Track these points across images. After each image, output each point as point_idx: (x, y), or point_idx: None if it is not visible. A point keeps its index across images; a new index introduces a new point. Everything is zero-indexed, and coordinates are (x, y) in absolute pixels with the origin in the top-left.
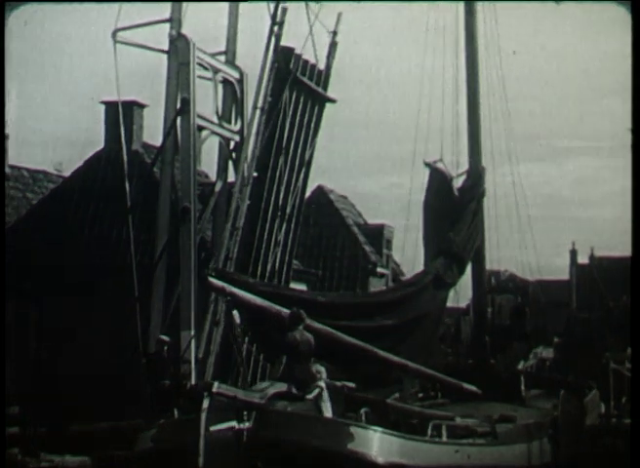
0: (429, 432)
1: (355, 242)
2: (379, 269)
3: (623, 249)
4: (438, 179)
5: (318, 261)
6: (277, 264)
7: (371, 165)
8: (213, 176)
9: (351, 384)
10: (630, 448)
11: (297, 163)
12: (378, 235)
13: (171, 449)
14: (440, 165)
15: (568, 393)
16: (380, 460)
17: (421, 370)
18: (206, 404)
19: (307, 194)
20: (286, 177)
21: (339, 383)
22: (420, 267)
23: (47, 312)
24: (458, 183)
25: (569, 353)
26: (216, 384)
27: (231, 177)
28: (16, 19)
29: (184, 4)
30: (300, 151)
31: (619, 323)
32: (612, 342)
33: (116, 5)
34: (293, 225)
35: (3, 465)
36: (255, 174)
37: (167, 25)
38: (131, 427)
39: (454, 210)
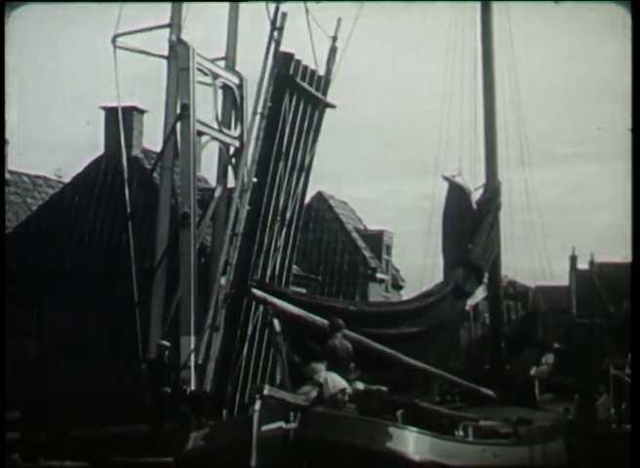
0: (459, 432)
1: (355, 247)
2: (378, 275)
3: (623, 254)
4: (457, 193)
5: (318, 267)
6: (277, 269)
7: (371, 170)
8: (212, 182)
9: (384, 388)
10: (631, 455)
11: (296, 168)
12: (377, 241)
13: (222, 448)
14: (459, 179)
15: (582, 397)
16: (417, 458)
17: (443, 374)
18: (258, 405)
19: (307, 200)
20: (286, 183)
21: (373, 387)
22: (420, 271)
23: (47, 317)
24: (475, 196)
25: (568, 359)
26: (267, 387)
27: (231, 183)
28: (16, 19)
29: (184, 10)
30: (299, 157)
31: (619, 329)
32: (612, 348)
33: (116, 7)
34: (292, 231)
35: None
36: (254, 179)
37: (167, 31)
38: (132, 433)
39: (472, 222)
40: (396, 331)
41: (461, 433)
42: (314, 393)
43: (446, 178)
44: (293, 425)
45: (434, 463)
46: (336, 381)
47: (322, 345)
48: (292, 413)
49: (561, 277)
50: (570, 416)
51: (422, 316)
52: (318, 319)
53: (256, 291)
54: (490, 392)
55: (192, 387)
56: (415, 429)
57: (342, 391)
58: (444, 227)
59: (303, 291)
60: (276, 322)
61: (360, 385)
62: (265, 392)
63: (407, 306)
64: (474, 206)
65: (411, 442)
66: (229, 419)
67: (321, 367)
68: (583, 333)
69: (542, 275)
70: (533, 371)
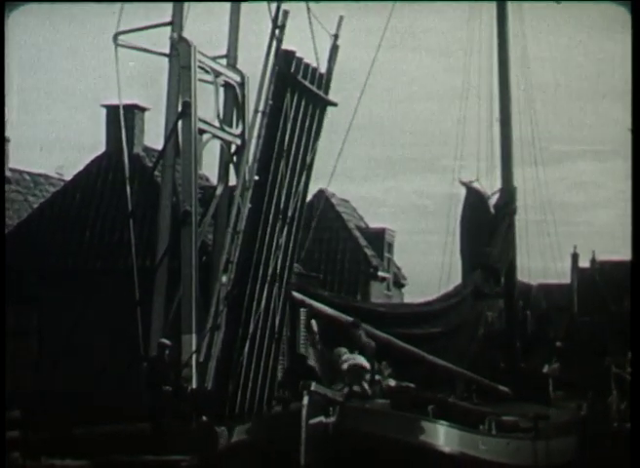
0: (485, 427)
1: (356, 245)
2: (380, 273)
3: (624, 253)
4: (474, 198)
5: (319, 265)
6: (278, 268)
7: (373, 168)
8: (214, 180)
9: (412, 385)
10: (630, 453)
11: (298, 166)
12: (379, 239)
13: (265, 442)
14: (476, 184)
15: (594, 394)
16: (447, 450)
17: (464, 372)
18: (306, 400)
19: (309, 198)
20: (287, 181)
21: (404, 384)
22: (419, 269)
23: (48, 315)
24: (492, 201)
25: (570, 357)
26: (313, 384)
27: (232, 181)
28: (16, 19)
29: (186, 8)
30: (301, 155)
31: (620, 327)
32: (613, 346)
33: (117, 6)
34: (294, 229)
35: None
36: (256, 177)
37: (168, 29)
38: (133, 431)
39: (489, 226)
40: (421, 330)
41: (486, 427)
42: (347, 389)
43: (464, 184)
44: (332, 419)
45: (463, 454)
46: (355, 358)
47: (349, 343)
48: (331, 408)
49: (563, 275)
50: (583, 413)
51: (445, 317)
52: (350, 319)
53: (295, 294)
54: (506, 389)
55: (193, 385)
56: (445, 423)
57: (362, 368)
58: (462, 231)
59: None
60: (314, 322)
61: (392, 382)
62: (312, 388)
63: (430, 307)
64: (492, 210)
65: (441, 435)
66: (272, 414)
67: (345, 350)
68: (584, 332)
69: (555, 273)
70: (545, 369)
